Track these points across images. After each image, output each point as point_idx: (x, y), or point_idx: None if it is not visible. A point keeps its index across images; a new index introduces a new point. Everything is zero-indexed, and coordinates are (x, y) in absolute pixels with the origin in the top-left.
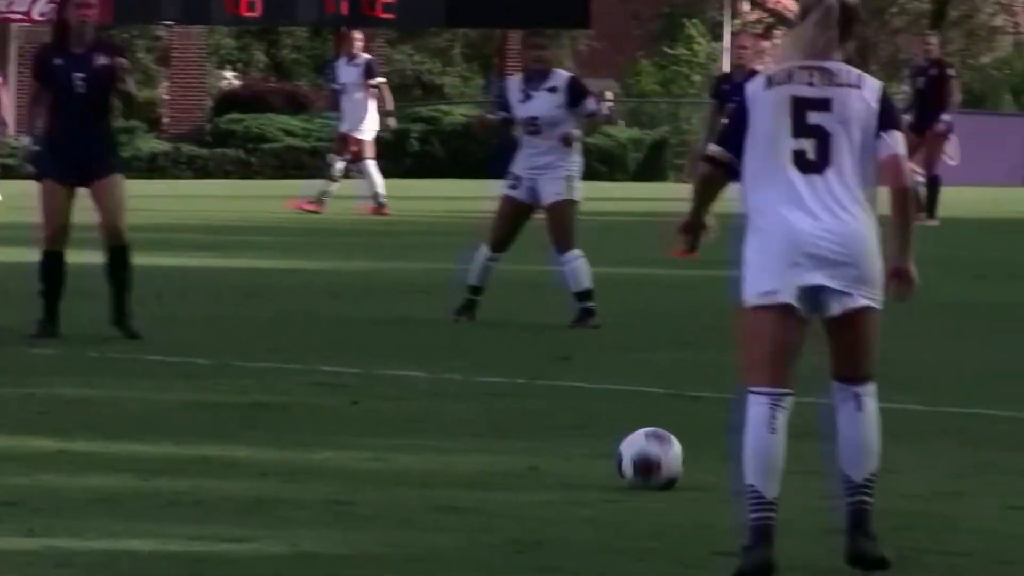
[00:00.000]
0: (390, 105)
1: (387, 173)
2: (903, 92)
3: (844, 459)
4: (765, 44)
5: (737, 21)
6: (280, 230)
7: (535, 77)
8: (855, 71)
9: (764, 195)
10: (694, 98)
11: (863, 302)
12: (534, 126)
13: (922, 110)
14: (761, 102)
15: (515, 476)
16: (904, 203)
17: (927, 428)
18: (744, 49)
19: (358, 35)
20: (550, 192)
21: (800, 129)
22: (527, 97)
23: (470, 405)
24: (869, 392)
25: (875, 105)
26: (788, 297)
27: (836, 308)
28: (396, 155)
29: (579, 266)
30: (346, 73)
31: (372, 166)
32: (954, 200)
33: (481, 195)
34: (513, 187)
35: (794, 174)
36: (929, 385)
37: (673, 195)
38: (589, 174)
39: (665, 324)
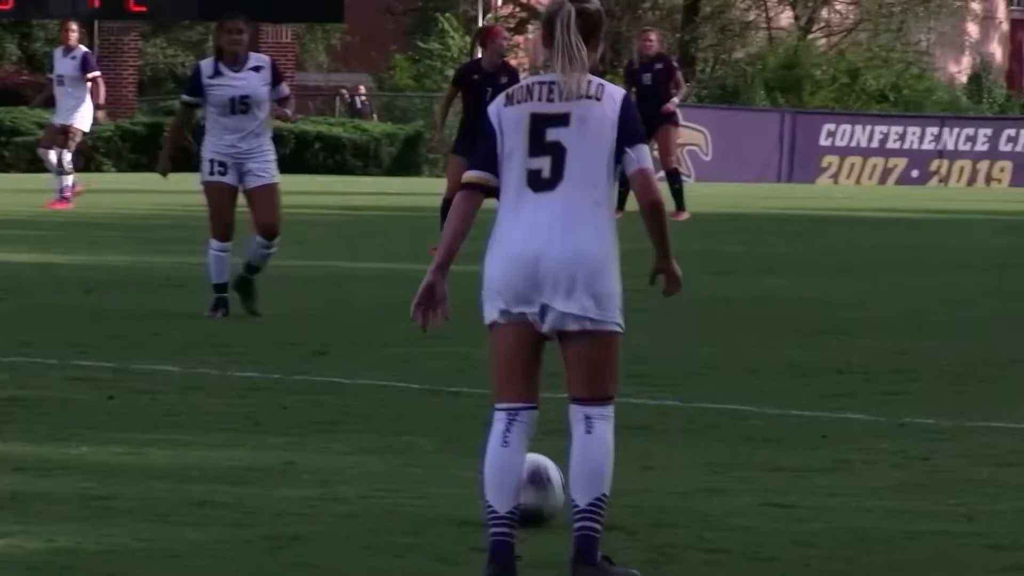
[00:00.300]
0: (102, 99)
1: (141, 167)
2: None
3: (571, 483)
4: (518, 39)
5: (490, 15)
6: (34, 224)
7: (233, 59)
8: (596, 81)
9: (502, 214)
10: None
11: (591, 323)
12: (245, 105)
13: (649, 107)
14: (504, 121)
15: (272, 471)
16: (656, 216)
17: (682, 424)
18: (506, 40)
19: (73, 27)
20: (261, 176)
21: (537, 148)
22: (220, 74)
23: (225, 400)
24: (602, 415)
25: (615, 117)
26: (518, 317)
27: (567, 326)
28: (150, 149)
29: (273, 254)
30: (62, 65)
31: (69, 158)
32: (707, 195)
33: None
34: (221, 173)
35: (527, 193)
36: (683, 381)
37: (427, 189)
38: (343, 168)
39: None
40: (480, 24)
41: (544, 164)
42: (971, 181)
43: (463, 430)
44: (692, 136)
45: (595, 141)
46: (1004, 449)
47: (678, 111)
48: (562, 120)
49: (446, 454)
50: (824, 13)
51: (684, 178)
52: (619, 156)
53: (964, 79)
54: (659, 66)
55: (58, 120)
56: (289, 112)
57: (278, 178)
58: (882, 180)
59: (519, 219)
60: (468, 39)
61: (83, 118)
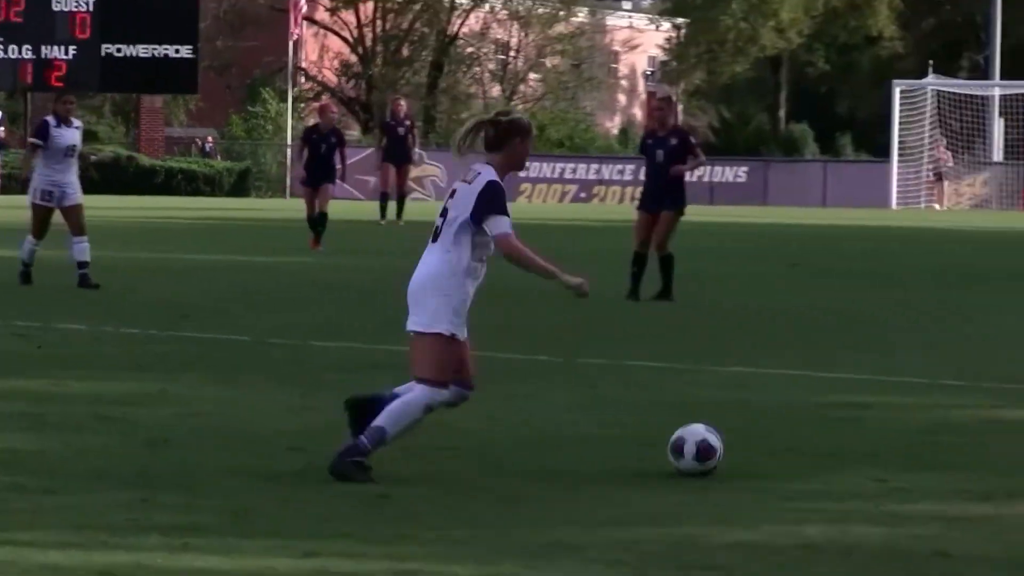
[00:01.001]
0: None
1: None
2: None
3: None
4: (316, 105)
5: (297, 89)
6: None
7: (65, 119)
8: (477, 170)
9: None
10: (268, 141)
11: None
12: (72, 150)
13: (401, 151)
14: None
15: (150, 396)
16: (515, 262)
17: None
18: (334, 112)
19: None
20: (75, 198)
21: (442, 212)
22: (60, 127)
23: (119, 349)
24: (417, 387)
25: (476, 197)
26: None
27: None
28: None
29: (88, 246)
30: None
31: None
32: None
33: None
34: (48, 199)
35: (430, 241)
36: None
37: (254, 206)
38: (198, 192)
39: (255, 296)
40: (290, 95)
41: (440, 223)
42: (620, 200)
43: (280, 370)
44: (434, 170)
45: (458, 211)
46: (651, 379)
47: (423, 153)
48: (452, 194)
49: (268, 386)
50: (522, 87)
51: (426, 197)
52: (479, 224)
53: (616, 131)
54: (407, 123)
55: None
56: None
57: (82, 199)
58: (560, 200)
59: (420, 262)
60: (282, 105)
61: None
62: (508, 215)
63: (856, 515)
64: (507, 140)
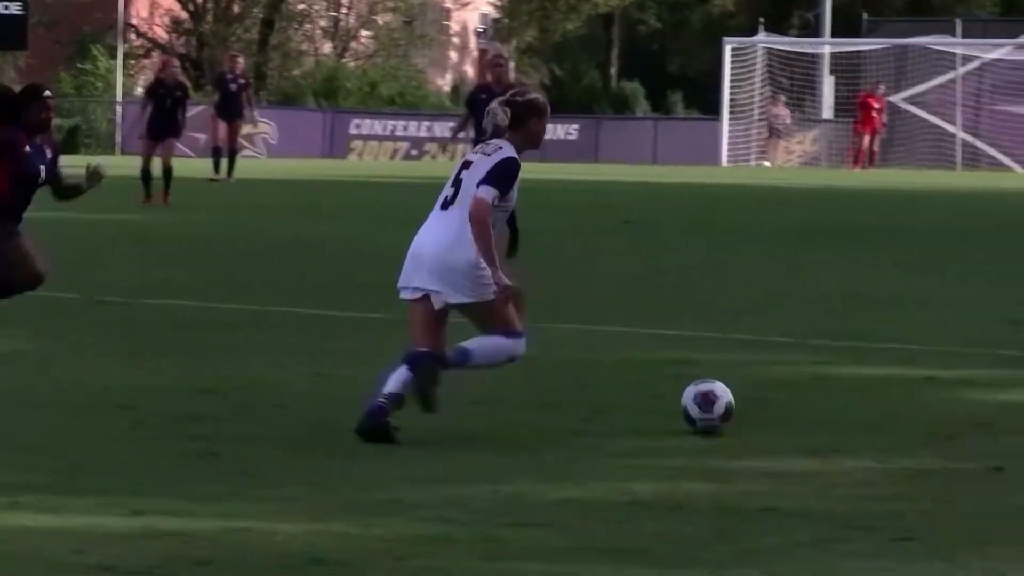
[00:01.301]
0: None
1: None
2: (216, 98)
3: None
4: (146, 62)
5: (127, 45)
6: None
7: None
8: (496, 144)
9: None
10: (98, 98)
11: (469, 298)
12: None
13: (233, 107)
14: (461, 162)
15: (12, 355)
16: (473, 223)
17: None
18: (176, 67)
19: None
20: None
21: (454, 181)
22: None
23: None
24: (514, 339)
25: (490, 165)
26: (406, 293)
27: (453, 304)
28: None
29: None
30: None
31: None
32: (274, 167)
33: None
34: None
35: (438, 209)
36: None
37: (83, 164)
38: None
39: (84, 253)
40: (120, 52)
41: (451, 192)
42: (452, 158)
43: (109, 327)
44: (264, 128)
45: (475, 181)
46: None
47: (255, 112)
48: (467, 165)
49: (97, 343)
50: (354, 44)
51: (257, 154)
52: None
53: (447, 88)
54: (241, 81)
55: None
56: None
57: None
58: (391, 157)
59: (426, 226)
60: (112, 62)
61: None
62: (503, 193)
63: (684, 471)
64: (524, 120)
